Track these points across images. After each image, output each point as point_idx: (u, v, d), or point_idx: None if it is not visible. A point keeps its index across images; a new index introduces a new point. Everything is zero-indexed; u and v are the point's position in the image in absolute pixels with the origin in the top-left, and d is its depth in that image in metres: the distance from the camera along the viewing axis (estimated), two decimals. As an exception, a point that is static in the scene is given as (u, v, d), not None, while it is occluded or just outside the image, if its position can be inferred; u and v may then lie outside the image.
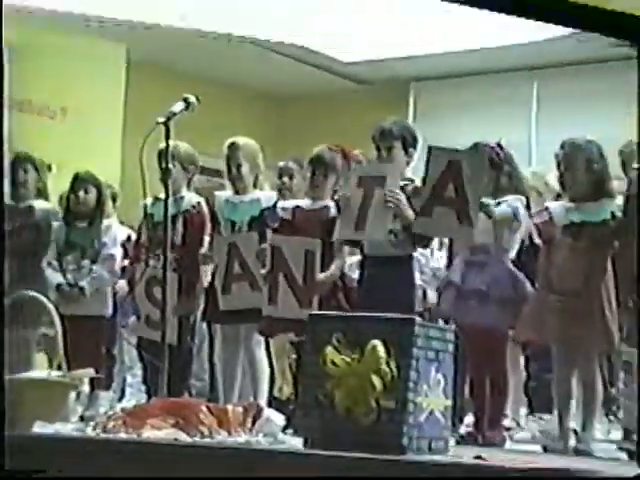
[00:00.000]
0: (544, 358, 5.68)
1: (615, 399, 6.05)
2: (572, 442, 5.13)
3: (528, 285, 5.25)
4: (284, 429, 3.92)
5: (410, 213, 5.27)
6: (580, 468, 3.16)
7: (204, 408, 3.79)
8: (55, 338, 4.23)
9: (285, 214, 5.82)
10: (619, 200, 5.16)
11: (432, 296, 5.90)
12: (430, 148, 5.21)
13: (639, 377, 4.81)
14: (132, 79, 8.99)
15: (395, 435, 3.37)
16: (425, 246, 5.65)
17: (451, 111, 10.16)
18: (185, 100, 4.82)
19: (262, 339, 5.91)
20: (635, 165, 5.22)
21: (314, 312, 4.69)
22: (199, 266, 6.13)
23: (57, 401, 4.13)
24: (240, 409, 3.87)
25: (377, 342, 3.42)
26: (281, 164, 6.61)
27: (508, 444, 5.37)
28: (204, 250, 6.05)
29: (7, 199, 6.53)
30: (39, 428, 3.84)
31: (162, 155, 5.01)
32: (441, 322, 5.41)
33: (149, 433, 3.66)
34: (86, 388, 6.16)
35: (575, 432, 5.21)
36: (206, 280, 6.17)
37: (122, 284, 6.68)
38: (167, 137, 4.73)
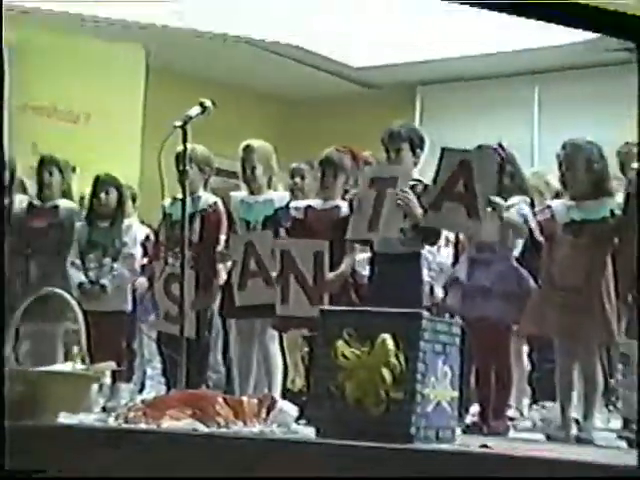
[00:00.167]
0: (547, 349, 5.67)
1: (614, 390, 6.04)
2: (574, 431, 5.12)
3: (531, 281, 5.24)
4: (297, 419, 3.91)
5: (419, 212, 5.26)
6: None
7: (220, 400, 3.79)
8: (78, 333, 4.24)
9: (297, 214, 5.83)
10: (619, 198, 5.14)
11: (439, 291, 5.89)
12: (443, 149, 5.20)
13: (639, 369, 4.80)
14: (151, 84, 8.99)
15: (404, 425, 3.36)
16: (432, 243, 5.64)
17: (456, 114, 10.16)
18: (201, 104, 4.81)
19: (276, 334, 5.91)
20: (634, 165, 5.21)
21: (326, 307, 4.68)
22: (215, 263, 6.13)
23: (80, 393, 4.13)
24: (255, 400, 3.86)
25: (386, 336, 3.41)
26: (293, 165, 6.62)
27: (512, 433, 5.37)
28: (220, 248, 6.06)
29: (35, 200, 6.59)
30: (64, 418, 3.84)
31: (180, 157, 5.01)
32: (447, 316, 5.42)
33: (168, 423, 3.66)
34: (108, 380, 6.17)
35: (577, 421, 5.20)
36: (222, 277, 6.18)
37: (142, 281, 6.68)
38: (184, 140, 4.72)
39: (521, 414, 6.13)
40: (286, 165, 6.56)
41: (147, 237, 6.75)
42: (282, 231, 5.86)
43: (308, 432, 3.60)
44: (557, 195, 5.55)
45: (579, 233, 5.09)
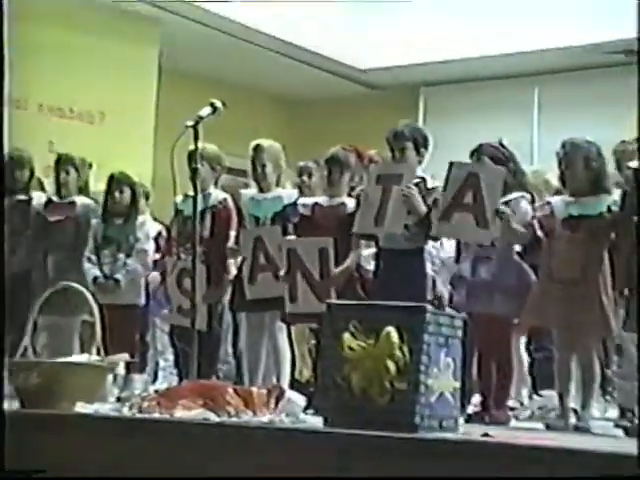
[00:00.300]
0: (546, 340, 5.66)
1: (611, 380, 6.03)
2: (572, 420, 5.11)
3: (532, 276, 5.23)
4: (305, 409, 3.91)
5: (423, 208, 5.27)
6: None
7: (231, 390, 3.79)
8: (94, 325, 4.24)
9: (305, 210, 5.84)
10: (615, 195, 5.14)
11: (440, 285, 5.89)
12: (451, 163, 5.20)
13: (639, 360, 4.79)
14: (164, 85, 8.99)
15: (408, 414, 3.36)
16: (435, 239, 5.63)
17: (458, 114, 10.16)
18: (212, 105, 4.80)
19: (284, 326, 5.91)
20: (630, 164, 5.20)
21: (333, 301, 4.68)
22: (226, 257, 6.13)
23: (96, 383, 4.14)
24: (264, 391, 3.86)
25: (391, 329, 3.41)
26: (301, 164, 6.62)
27: (513, 422, 5.36)
28: (231, 244, 6.06)
29: (54, 197, 6.60)
30: (80, 408, 3.85)
31: (191, 156, 5.00)
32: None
33: (180, 413, 3.66)
34: (122, 371, 6.18)
35: (575, 411, 5.20)
36: (232, 271, 6.18)
37: (155, 276, 6.68)
38: (196, 139, 4.71)
39: (521, 404, 6.13)
40: (294, 163, 6.56)
41: (160, 233, 6.74)
42: (290, 227, 5.86)
43: (315, 421, 3.60)
44: (557, 193, 5.54)
45: (577, 228, 5.09)
